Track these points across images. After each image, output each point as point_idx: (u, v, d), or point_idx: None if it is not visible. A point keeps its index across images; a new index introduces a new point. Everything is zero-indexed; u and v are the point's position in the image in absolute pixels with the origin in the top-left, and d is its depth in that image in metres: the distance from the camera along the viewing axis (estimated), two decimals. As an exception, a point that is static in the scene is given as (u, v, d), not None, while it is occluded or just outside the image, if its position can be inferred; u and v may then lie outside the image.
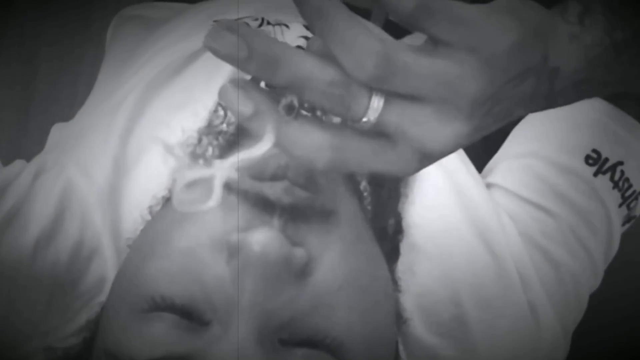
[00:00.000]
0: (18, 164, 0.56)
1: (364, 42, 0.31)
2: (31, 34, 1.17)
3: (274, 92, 0.34)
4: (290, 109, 0.33)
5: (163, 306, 0.40)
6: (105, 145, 0.57)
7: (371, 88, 0.33)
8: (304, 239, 0.42)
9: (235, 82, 0.33)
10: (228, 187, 0.42)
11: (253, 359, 0.39)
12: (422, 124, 0.33)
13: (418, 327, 0.56)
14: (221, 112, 0.58)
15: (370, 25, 0.38)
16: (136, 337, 0.40)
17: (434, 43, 0.33)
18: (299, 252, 0.41)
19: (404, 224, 0.56)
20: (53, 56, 1.16)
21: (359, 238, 0.45)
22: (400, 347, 0.55)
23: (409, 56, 0.32)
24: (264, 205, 0.42)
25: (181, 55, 0.61)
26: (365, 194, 0.53)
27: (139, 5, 0.80)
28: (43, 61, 1.16)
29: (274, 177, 0.42)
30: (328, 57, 0.32)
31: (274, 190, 0.42)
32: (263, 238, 0.39)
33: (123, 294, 0.44)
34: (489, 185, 0.62)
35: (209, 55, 0.63)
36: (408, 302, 0.55)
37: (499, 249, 0.57)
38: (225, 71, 0.59)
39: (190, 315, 0.40)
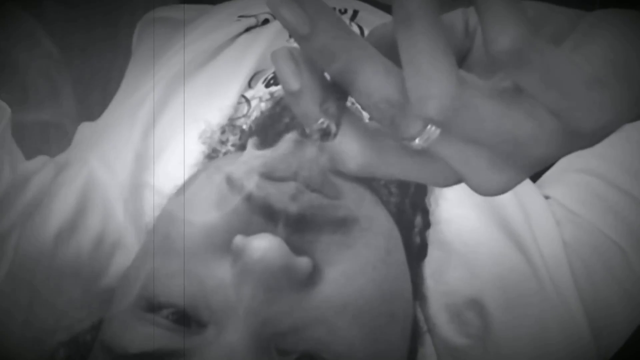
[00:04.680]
0: (41, 158, 0.57)
1: (438, 79, 0.27)
2: (60, 40, 1.19)
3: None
4: (325, 134, 0.30)
5: (161, 306, 0.40)
6: (128, 139, 0.57)
7: None
8: (311, 249, 0.41)
9: (290, 51, 0.29)
10: (231, 184, 0.41)
11: None
12: (472, 165, 0.30)
13: (444, 327, 0.54)
14: (245, 108, 0.58)
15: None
16: (132, 333, 0.40)
17: (519, 89, 0.29)
18: (303, 262, 0.40)
19: (432, 218, 0.54)
20: (82, 62, 1.18)
21: (382, 254, 0.43)
22: (432, 350, 0.54)
23: (485, 107, 0.28)
24: (269, 212, 0.41)
25: (205, 50, 0.62)
26: (389, 189, 0.52)
27: (164, 8, 0.81)
28: (72, 67, 1.18)
29: (283, 178, 0.41)
30: (389, 52, 0.29)
31: (280, 197, 0.40)
32: (264, 244, 0.38)
33: (127, 288, 0.43)
34: (545, 197, 0.60)
35: (232, 49, 0.63)
36: (434, 303, 0.54)
37: (530, 252, 0.55)
38: (250, 64, 0.59)
39: (187, 316, 0.40)
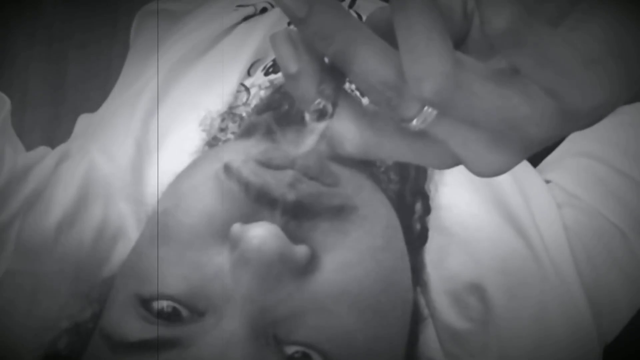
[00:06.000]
0: (42, 149, 0.57)
1: (434, 59, 0.27)
2: (59, 37, 1.19)
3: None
4: (321, 114, 0.30)
5: (159, 296, 0.40)
6: (128, 128, 0.57)
7: None
8: (309, 237, 0.41)
9: (289, 34, 0.29)
10: (229, 172, 0.41)
11: (241, 351, 0.38)
12: (469, 147, 0.30)
13: (446, 312, 0.54)
14: (244, 96, 0.58)
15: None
16: (131, 321, 0.40)
17: (515, 70, 0.29)
18: (300, 250, 0.40)
19: (432, 204, 0.54)
20: (81, 59, 1.18)
21: (381, 242, 0.43)
22: (433, 334, 0.54)
23: (481, 88, 0.28)
24: (267, 200, 0.41)
25: (205, 38, 0.62)
26: (389, 175, 0.52)
27: (162, 0, 0.81)
28: (72, 63, 1.18)
29: (281, 166, 0.41)
30: (387, 35, 0.29)
31: (278, 185, 0.40)
32: (261, 232, 0.38)
33: (126, 277, 0.43)
34: (546, 182, 0.60)
35: (231, 37, 0.63)
36: (435, 288, 0.54)
37: (530, 236, 0.55)
38: (249, 52, 0.59)
39: (186, 304, 0.40)
